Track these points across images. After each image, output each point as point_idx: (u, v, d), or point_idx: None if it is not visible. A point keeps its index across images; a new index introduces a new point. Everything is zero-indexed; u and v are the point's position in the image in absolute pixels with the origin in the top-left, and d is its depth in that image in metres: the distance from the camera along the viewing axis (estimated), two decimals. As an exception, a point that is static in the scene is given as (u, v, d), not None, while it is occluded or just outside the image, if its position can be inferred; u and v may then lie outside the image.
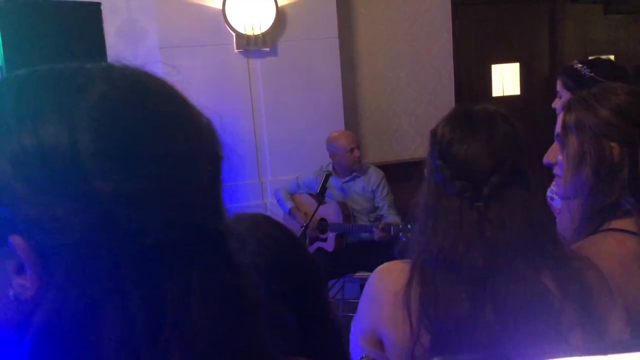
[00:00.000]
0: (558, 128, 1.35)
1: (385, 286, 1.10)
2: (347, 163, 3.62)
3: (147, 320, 0.48)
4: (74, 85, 0.53)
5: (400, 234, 3.25)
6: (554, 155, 1.38)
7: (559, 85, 2.17)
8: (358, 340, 1.17)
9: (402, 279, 1.06)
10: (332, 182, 3.59)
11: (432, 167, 1.11)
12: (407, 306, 1.04)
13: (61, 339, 0.47)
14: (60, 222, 0.47)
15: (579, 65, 2.11)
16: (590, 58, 2.28)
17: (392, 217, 3.53)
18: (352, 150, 3.60)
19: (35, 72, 0.56)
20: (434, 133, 1.15)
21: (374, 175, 3.70)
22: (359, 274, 3.72)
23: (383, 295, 1.10)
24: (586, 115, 1.27)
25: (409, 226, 3.21)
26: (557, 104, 2.16)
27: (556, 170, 1.37)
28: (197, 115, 0.62)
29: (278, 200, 3.78)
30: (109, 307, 0.47)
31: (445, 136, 1.10)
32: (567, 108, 1.33)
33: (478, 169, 1.05)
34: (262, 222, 1.04)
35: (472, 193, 1.04)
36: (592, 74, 2.05)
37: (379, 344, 1.12)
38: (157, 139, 0.53)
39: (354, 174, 3.69)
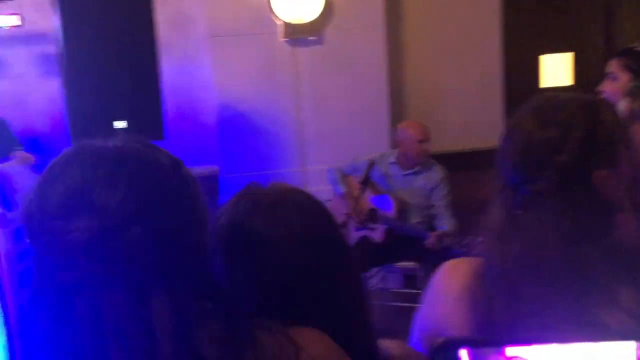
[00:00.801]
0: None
1: (450, 285, 1.07)
2: (413, 154, 3.50)
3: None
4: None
5: (455, 247, 3.10)
6: None
7: (615, 67, 2.07)
8: (420, 339, 1.16)
9: (468, 278, 1.03)
10: (393, 171, 3.51)
11: (501, 160, 1.04)
12: (471, 307, 1.00)
13: None
14: None
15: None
16: None
17: (446, 220, 3.42)
18: (420, 142, 3.48)
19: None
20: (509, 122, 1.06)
21: (437, 173, 3.56)
22: (400, 264, 3.70)
23: (447, 295, 1.06)
24: None
25: (465, 241, 2.99)
26: (606, 86, 2.07)
27: None
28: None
29: (331, 181, 3.68)
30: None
31: (520, 122, 1.02)
32: (636, 94, 1.26)
33: (524, 164, 0.99)
34: (298, 192, 1.03)
35: (511, 201, 0.99)
36: None
37: None
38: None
39: (417, 167, 3.56)
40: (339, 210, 3.51)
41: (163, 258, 0.68)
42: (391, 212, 3.53)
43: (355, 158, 3.72)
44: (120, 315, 0.65)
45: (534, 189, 0.97)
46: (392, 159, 3.58)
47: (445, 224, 3.38)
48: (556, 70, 4.84)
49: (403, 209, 3.53)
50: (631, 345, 0.62)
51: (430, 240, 3.26)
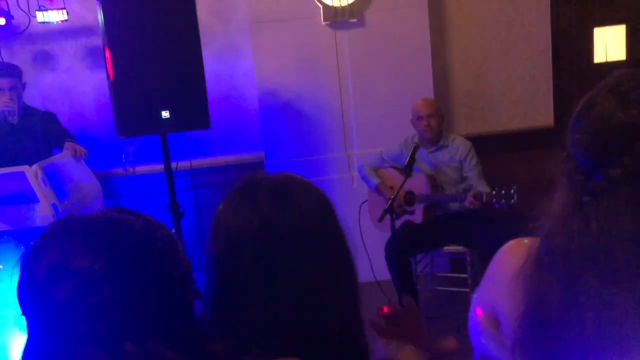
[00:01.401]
0: None
1: (507, 266, 1.05)
2: (419, 130, 3.57)
3: None
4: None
5: (494, 201, 3.14)
6: None
7: None
8: (477, 315, 1.14)
9: (525, 261, 0.99)
10: (419, 153, 3.53)
11: (572, 141, 0.95)
12: (528, 286, 0.97)
13: None
14: None
15: None
16: None
17: (482, 187, 3.42)
18: (420, 118, 3.53)
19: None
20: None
21: (462, 146, 3.59)
22: (447, 248, 3.66)
23: (504, 275, 1.05)
24: None
25: (502, 192, 3.12)
26: None
27: None
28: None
29: (363, 177, 3.76)
30: None
31: (592, 93, 0.93)
32: None
33: (599, 146, 0.90)
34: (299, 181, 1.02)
35: (581, 187, 0.91)
36: None
37: (497, 322, 1.08)
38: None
39: (440, 143, 3.60)
40: (378, 204, 3.52)
41: (134, 312, 0.80)
42: (427, 190, 3.50)
43: (381, 151, 3.74)
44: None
45: (608, 176, 0.89)
46: (416, 140, 3.59)
47: (483, 191, 3.33)
48: (609, 43, 4.63)
49: (436, 185, 3.53)
50: None
51: (468, 200, 3.22)
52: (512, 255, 1.06)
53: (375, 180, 3.67)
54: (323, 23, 3.99)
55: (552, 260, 0.94)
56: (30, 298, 0.80)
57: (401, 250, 3.37)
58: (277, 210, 0.93)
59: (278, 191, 0.95)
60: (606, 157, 0.89)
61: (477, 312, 1.14)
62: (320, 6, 3.95)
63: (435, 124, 3.55)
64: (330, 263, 0.95)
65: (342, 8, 3.95)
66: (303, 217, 0.93)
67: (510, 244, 1.10)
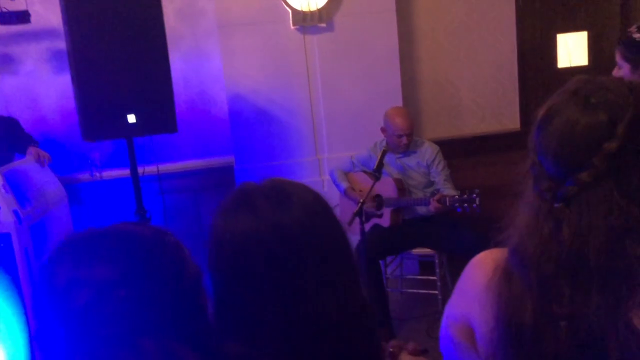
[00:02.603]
0: None
1: (477, 278, 1.04)
2: (393, 144, 3.58)
3: None
4: None
5: (457, 205, 3.21)
6: None
7: (618, 57, 2.05)
8: (449, 327, 1.13)
9: (493, 271, 0.99)
10: (387, 158, 3.55)
11: (529, 145, 0.97)
12: (498, 299, 0.96)
13: None
14: None
15: (638, 35, 1.96)
16: None
17: (448, 191, 3.47)
18: (400, 136, 3.53)
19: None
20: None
21: (429, 150, 3.63)
22: (416, 251, 3.69)
23: (474, 288, 1.04)
24: None
25: (465, 196, 3.19)
26: (618, 72, 2.04)
27: None
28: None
29: (333, 181, 3.78)
30: None
31: (550, 103, 0.95)
32: None
33: (568, 152, 0.91)
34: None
35: (552, 194, 0.92)
36: None
37: (471, 332, 1.07)
38: None
39: (409, 149, 3.64)
40: (349, 208, 3.54)
41: (150, 314, 0.86)
42: (394, 194, 3.54)
43: (352, 155, 3.78)
44: (114, 357, 0.84)
45: (578, 180, 0.89)
46: (384, 145, 3.61)
47: (448, 194, 3.38)
48: (572, 50, 4.74)
49: (403, 189, 3.58)
50: None
51: (432, 204, 3.29)
52: (481, 268, 1.05)
53: (344, 185, 3.69)
54: (292, 27, 3.99)
55: (523, 270, 0.94)
56: (52, 309, 0.86)
57: (370, 253, 3.38)
58: (279, 211, 0.93)
59: (274, 194, 0.95)
60: (575, 161, 0.90)
61: (449, 326, 1.13)
62: (290, 10, 3.95)
63: (411, 139, 3.59)
64: (338, 253, 0.96)
65: (311, 13, 3.96)
66: (306, 212, 0.94)
67: (479, 256, 1.09)
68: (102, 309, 0.83)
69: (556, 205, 0.91)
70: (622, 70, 2.03)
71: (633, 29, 2.02)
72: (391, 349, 1.04)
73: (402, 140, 3.54)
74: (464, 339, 1.08)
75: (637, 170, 0.89)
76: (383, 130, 3.63)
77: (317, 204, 0.97)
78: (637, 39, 1.94)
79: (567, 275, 0.89)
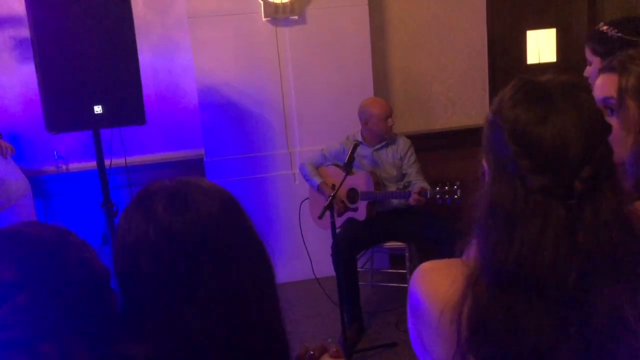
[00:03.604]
0: (602, 93, 1.26)
1: (431, 294, 0.94)
2: (380, 131, 3.58)
3: None
4: None
5: (438, 197, 3.26)
6: None
7: (587, 53, 2.07)
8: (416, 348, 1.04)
9: (452, 288, 0.89)
10: (362, 151, 3.54)
11: (502, 158, 0.88)
12: (457, 322, 0.87)
13: None
14: None
15: (605, 27, 1.99)
16: (616, 18, 2.11)
17: (421, 184, 3.49)
18: (387, 118, 3.55)
19: None
20: (497, 114, 0.90)
21: (402, 143, 3.66)
22: (388, 244, 3.70)
23: (427, 305, 0.93)
24: None
25: (446, 188, 3.23)
26: (588, 72, 2.07)
27: None
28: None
29: (304, 176, 3.74)
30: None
31: (520, 117, 0.87)
32: (621, 69, 1.19)
33: (567, 156, 0.84)
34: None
35: (562, 189, 0.84)
36: (620, 34, 1.93)
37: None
38: None
39: (385, 142, 3.65)
40: (319, 202, 3.53)
41: (51, 316, 0.82)
42: (370, 188, 3.54)
43: (323, 148, 3.74)
44: None
45: (583, 176, 0.85)
46: (359, 138, 3.60)
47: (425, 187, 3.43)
48: (541, 46, 4.81)
49: (379, 182, 3.59)
50: None
51: (413, 197, 3.33)
52: (435, 284, 0.95)
53: (316, 180, 3.66)
54: (264, 19, 3.95)
55: (525, 287, 0.85)
56: None
57: (347, 247, 3.38)
58: (172, 216, 0.88)
59: (174, 197, 0.90)
60: (577, 159, 0.85)
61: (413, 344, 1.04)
62: (261, 2, 3.91)
63: (394, 124, 3.62)
64: (241, 265, 0.90)
65: (283, 5, 3.92)
66: (202, 221, 0.88)
67: (427, 270, 0.98)
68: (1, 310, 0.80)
69: (570, 202, 0.84)
70: (592, 65, 2.06)
71: (600, 25, 2.05)
72: (312, 352, 1.00)
73: (389, 122, 3.56)
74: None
75: (606, 167, 0.87)
76: (365, 122, 3.60)
77: (219, 214, 0.90)
78: (604, 31, 1.98)
79: (591, 280, 0.84)
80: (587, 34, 2.12)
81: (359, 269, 3.87)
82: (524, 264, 0.84)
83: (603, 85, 1.26)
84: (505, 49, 4.69)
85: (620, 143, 1.16)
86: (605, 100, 1.25)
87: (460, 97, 4.53)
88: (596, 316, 0.83)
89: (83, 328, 0.85)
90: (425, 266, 0.99)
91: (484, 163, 0.94)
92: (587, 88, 0.92)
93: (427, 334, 0.94)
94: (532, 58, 4.81)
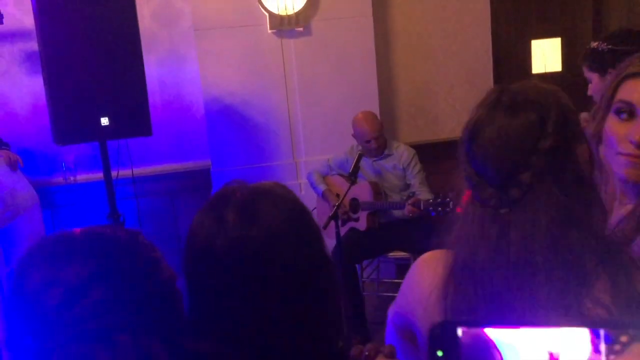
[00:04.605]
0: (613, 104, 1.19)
1: (423, 278, 1.05)
2: (365, 150, 3.56)
3: None
4: None
5: (431, 209, 3.23)
6: None
7: (585, 72, 2.13)
8: (394, 329, 1.13)
9: (440, 272, 0.99)
10: (363, 161, 3.55)
11: (460, 158, 1.00)
12: (443, 301, 0.97)
13: None
14: None
15: (595, 44, 2.07)
16: (602, 35, 2.24)
17: (424, 194, 3.48)
18: (368, 142, 3.53)
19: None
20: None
21: (405, 153, 3.64)
22: (393, 254, 3.70)
23: (419, 288, 1.04)
24: None
25: (439, 200, 3.21)
26: (592, 90, 2.11)
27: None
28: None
29: (311, 184, 3.77)
30: None
31: (474, 117, 0.98)
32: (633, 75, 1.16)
33: (507, 158, 0.92)
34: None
35: (497, 200, 0.93)
36: (610, 46, 2.00)
37: (412, 334, 1.08)
38: None
39: (385, 152, 3.65)
40: (325, 211, 3.54)
41: (122, 311, 0.87)
42: (370, 198, 3.54)
43: (329, 158, 3.77)
44: (91, 356, 0.85)
45: (520, 182, 0.91)
46: (360, 149, 3.61)
47: (423, 198, 3.40)
48: (545, 55, 4.81)
49: (379, 192, 3.58)
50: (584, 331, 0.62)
51: (407, 208, 3.31)
52: (427, 269, 1.06)
53: (321, 187, 3.68)
54: (269, 31, 3.99)
55: (471, 276, 0.94)
56: (23, 310, 0.87)
57: (347, 257, 3.39)
58: (242, 231, 0.91)
59: (246, 208, 0.93)
60: (515, 165, 0.92)
61: (392, 327, 1.13)
62: (267, 14, 3.95)
63: (381, 141, 3.58)
64: (306, 274, 0.94)
65: (289, 17, 3.96)
66: (270, 234, 0.92)
67: (424, 257, 1.09)
68: (76, 308, 0.84)
69: (502, 211, 0.92)
70: (593, 83, 2.10)
71: (590, 44, 2.13)
72: (367, 353, 1.03)
73: (371, 144, 3.54)
74: (407, 340, 1.09)
75: (570, 166, 0.92)
76: (354, 136, 3.64)
77: (286, 226, 0.94)
78: (595, 47, 2.04)
79: (517, 280, 0.90)
80: (581, 56, 2.17)
81: (364, 280, 3.87)
82: (465, 261, 0.95)
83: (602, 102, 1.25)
84: (510, 58, 4.70)
85: None
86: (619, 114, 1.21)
87: (465, 107, 4.53)
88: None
89: (153, 323, 0.90)
90: (425, 255, 1.11)
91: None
92: (556, 95, 0.97)
93: (416, 311, 1.04)
94: (538, 67, 4.82)
